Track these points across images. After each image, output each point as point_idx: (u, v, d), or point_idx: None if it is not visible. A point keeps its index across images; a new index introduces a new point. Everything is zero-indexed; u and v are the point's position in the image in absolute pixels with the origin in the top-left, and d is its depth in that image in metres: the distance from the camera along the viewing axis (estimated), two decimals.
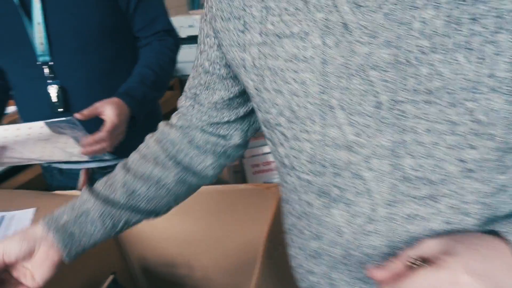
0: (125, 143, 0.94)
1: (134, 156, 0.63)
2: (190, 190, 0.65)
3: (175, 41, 1.15)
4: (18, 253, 0.54)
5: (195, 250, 0.97)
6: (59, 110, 1.04)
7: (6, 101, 1.16)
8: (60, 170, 1.15)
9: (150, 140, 0.64)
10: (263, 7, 0.47)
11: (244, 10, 0.48)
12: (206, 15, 0.55)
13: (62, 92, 1.03)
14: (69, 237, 0.57)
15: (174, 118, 0.65)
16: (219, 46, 0.54)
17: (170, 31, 1.14)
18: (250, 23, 0.48)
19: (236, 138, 0.63)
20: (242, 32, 0.49)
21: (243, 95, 0.59)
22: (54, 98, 1.04)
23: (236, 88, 0.58)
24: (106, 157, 1.07)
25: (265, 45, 0.47)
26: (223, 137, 0.63)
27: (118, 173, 0.61)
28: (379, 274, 0.43)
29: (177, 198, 0.64)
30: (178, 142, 0.63)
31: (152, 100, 1.10)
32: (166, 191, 0.62)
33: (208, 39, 0.56)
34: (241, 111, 0.61)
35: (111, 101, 0.94)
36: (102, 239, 0.59)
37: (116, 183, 0.60)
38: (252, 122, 0.64)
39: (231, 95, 0.59)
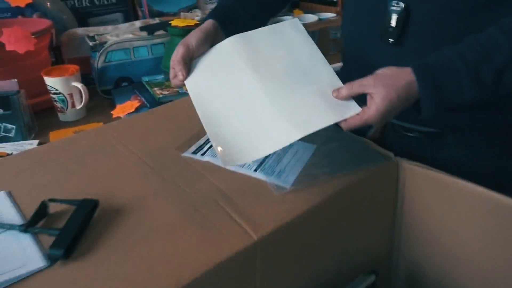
0: None
1: None
2: None
3: None
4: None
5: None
6: (390, 40, 0.74)
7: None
8: None
9: None
10: None
11: None
12: None
13: (405, 18, 0.71)
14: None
15: None
16: None
17: None
18: None
19: None
20: None
21: None
22: (392, 22, 0.72)
23: None
24: None
25: None
26: None
27: None
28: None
29: None
30: None
31: (471, 99, 0.64)
32: None
33: None
34: None
35: (388, 78, 0.63)
36: None
37: None
38: None
39: None
